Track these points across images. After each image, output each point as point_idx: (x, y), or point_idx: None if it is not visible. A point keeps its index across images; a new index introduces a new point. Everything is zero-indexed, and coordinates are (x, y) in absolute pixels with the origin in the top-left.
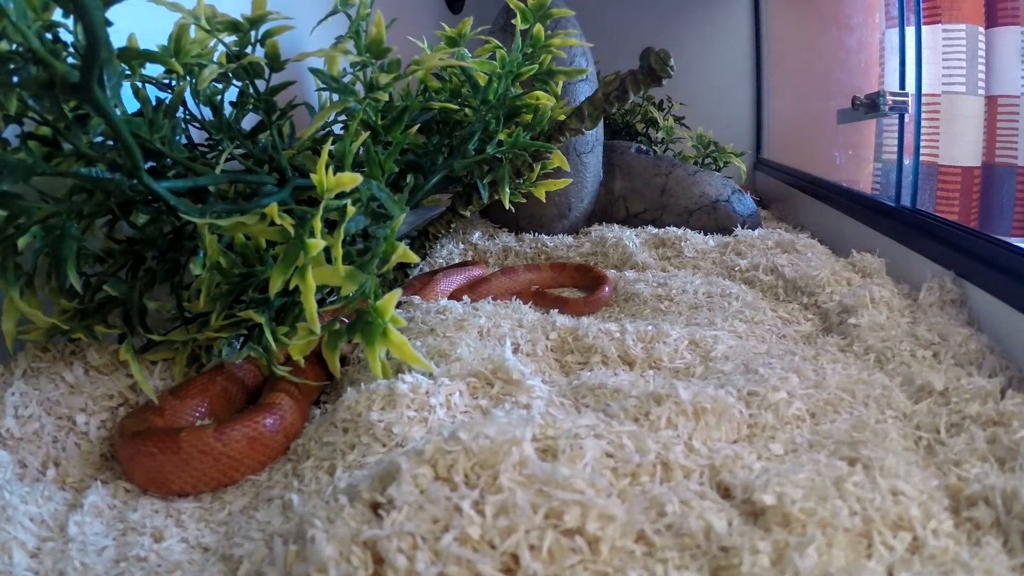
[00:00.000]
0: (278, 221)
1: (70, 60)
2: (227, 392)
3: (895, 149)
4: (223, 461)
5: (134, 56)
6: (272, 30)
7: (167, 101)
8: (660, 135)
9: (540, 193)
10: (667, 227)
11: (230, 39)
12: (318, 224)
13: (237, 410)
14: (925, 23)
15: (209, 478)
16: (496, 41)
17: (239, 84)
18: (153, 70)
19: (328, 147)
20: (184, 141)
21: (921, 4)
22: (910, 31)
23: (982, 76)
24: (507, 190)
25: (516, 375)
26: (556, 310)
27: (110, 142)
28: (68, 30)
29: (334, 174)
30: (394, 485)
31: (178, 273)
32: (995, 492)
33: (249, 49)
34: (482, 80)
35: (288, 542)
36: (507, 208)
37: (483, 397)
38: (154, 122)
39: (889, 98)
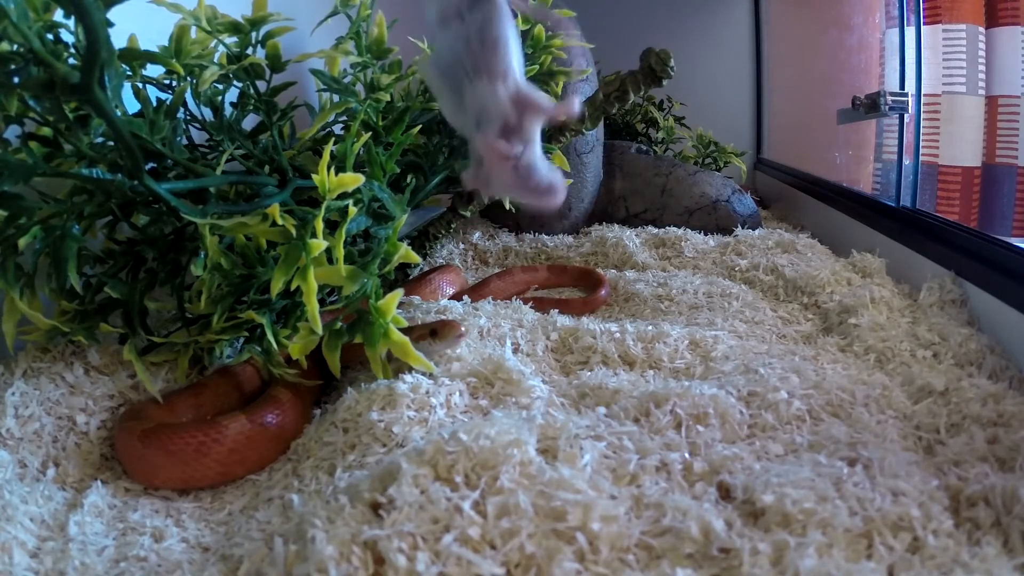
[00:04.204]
0: (280, 222)
1: (71, 61)
2: (225, 390)
3: (895, 149)
4: (228, 456)
5: (135, 57)
6: (273, 31)
7: (168, 102)
8: (660, 135)
9: None
10: (667, 227)
11: (231, 40)
12: (320, 225)
13: (236, 408)
14: (925, 23)
15: (214, 473)
16: None
17: (240, 85)
18: (154, 71)
19: (330, 148)
20: (185, 142)
21: (921, 4)
22: (910, 31)
23: (982, 76)
24: None
25: (516, 375)
26: (556, 310)
27: (111, 143)
28: (69, 31)
29: (335, 175)
30: (394, 485)
31: (179, 274)
32: (995, 492)
33: (250, 50)
34: None
35: (288, 542)
36: (507, 208)
37: (483, 397)
38: (155, 123)
39: (889, 98)
